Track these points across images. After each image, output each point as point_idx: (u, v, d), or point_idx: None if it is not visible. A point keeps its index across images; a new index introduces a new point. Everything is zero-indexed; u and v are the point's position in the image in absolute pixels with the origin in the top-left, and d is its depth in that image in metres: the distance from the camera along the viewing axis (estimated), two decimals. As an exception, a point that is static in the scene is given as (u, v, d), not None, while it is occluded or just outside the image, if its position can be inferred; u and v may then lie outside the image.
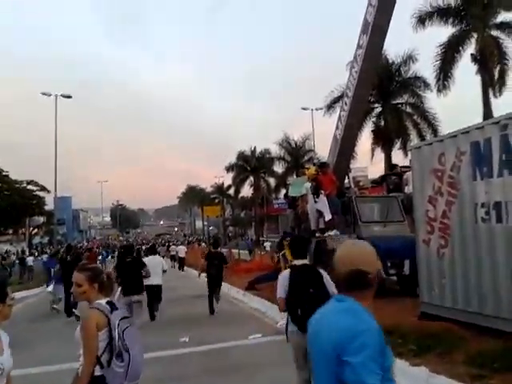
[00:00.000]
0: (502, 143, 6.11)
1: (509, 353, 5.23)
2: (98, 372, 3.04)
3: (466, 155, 6.75)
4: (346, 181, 13.45)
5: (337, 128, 12.86)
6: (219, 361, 7.23)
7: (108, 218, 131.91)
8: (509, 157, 6.01)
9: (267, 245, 32.74)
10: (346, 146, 12.76)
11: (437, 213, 7.32)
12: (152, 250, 12.61)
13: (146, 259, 10.78)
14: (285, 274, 4.65)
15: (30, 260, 28.14)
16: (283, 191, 45.72)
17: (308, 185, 12.45)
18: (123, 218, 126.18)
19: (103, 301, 3.21)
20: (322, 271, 4.59)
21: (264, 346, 7.87)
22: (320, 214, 11.70)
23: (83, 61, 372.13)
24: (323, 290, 4.32)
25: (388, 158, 26.20)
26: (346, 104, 12.43)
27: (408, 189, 11.60)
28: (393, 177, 12.99)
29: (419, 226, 7.90)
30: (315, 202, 11.82)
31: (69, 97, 32.28)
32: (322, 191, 11.58)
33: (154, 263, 10.72)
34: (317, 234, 11.80)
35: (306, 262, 4.74)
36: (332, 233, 11.01)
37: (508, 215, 5.97)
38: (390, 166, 14.46)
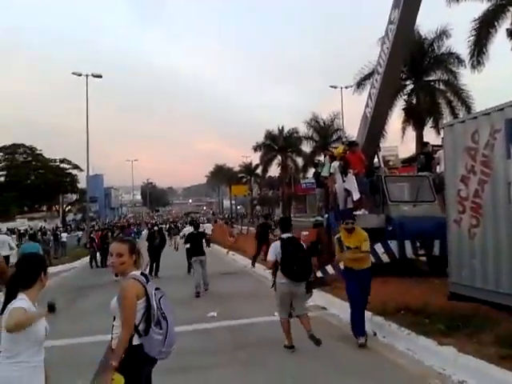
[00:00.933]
0: (539, 120, 5.91)
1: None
2: (136, 341, 3.13)
3: (500, 133, 6.55)
4: (376, 160, 13.24)
5: (367, 106, 12.62)
6: (246, 335, 7.36)
7: (138, 196, 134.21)
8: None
9: None
10: (375, 125, 12.52)
11: (469, 192, 7.16)
12: (191, 223, 20.20)
13: (185, 228, 17.31)
14: (277, 244, 6.45)
15: (64, 236, 29.00)
16: (311, 171, 45.37)
17: (336, 164, 12.33)
18: (153, 196, 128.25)
19: (138, 272, 3.32)
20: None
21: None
22: (348, 193, 11.61)
23: (113, 44, 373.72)
24: (307, 255, 6.46)
25: (419, 136, 25.61)
26: (376, 81, 12.15)
27: (439, 168, 11.36)
28: (421, 156, 12.69)
29: (450, 205, 7.76)
30: (343, 181, 11.72)
31: (99, 76, 32.57)
32: (351, 170, 11.46)
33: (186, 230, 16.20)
34: (345, 214, 11.74)
35: (289, 235, 6.51)
36: (360, 212, 10.93)
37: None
38: (421, 144, 14.10)
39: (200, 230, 13.58)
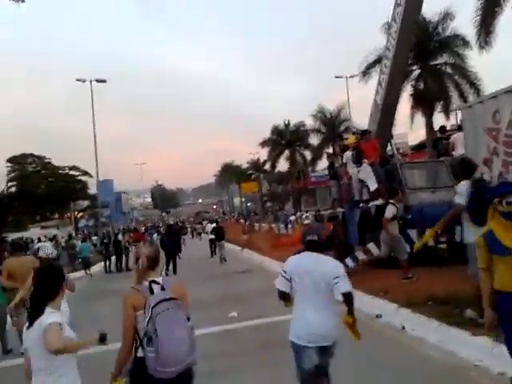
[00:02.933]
0: None
1: None
2: (140, 353, 2.99)
3: (523, 111, 6.29)
4: (389, 148, 12.96)
5: (377, 93, 12.36)
6: (269, 335, 7.15)
7: (149, 199, 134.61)
8: None
9: (292, 218, 33.38)
10: (387, 111, 12.26)
11: (493, 175, 6.91)
12: (210, 221, 32.09)
13: (208, 225, 29.17)
14: None
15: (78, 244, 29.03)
16: (320, 164, 45.12)
17: (349, 154, 12.10)
18: (163, 198, 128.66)
19: (147, 281, 3.11)
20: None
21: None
22: (363, 183, 11.36)
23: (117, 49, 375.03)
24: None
25: (429, 122, 25.27)
26: (385, 66, 11.89)
27: (456, 152, 11.06)
28: (444, 141, 12.34)
29: (472, 189, 7.48)
30: (358, 171, 11.48)
31: (103, 81, 32.56)
32: (366, 160, 11.20)
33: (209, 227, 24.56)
34: (361, 205, 11.50)
35: None
36: (378, 202, 10.68)
37: None
38: (440, 128, 13.70)
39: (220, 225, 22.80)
